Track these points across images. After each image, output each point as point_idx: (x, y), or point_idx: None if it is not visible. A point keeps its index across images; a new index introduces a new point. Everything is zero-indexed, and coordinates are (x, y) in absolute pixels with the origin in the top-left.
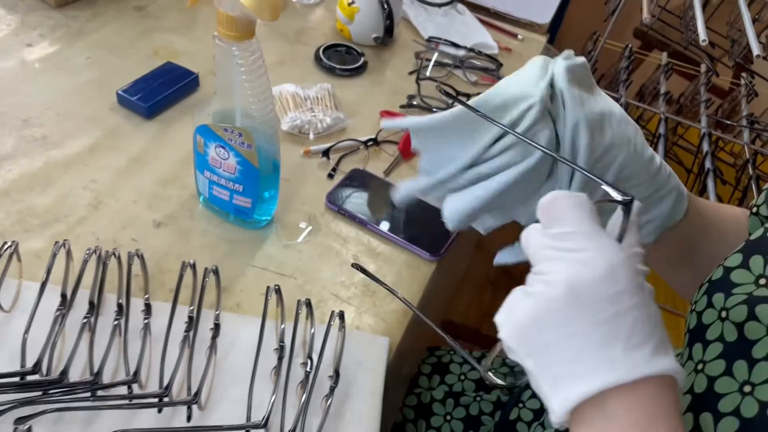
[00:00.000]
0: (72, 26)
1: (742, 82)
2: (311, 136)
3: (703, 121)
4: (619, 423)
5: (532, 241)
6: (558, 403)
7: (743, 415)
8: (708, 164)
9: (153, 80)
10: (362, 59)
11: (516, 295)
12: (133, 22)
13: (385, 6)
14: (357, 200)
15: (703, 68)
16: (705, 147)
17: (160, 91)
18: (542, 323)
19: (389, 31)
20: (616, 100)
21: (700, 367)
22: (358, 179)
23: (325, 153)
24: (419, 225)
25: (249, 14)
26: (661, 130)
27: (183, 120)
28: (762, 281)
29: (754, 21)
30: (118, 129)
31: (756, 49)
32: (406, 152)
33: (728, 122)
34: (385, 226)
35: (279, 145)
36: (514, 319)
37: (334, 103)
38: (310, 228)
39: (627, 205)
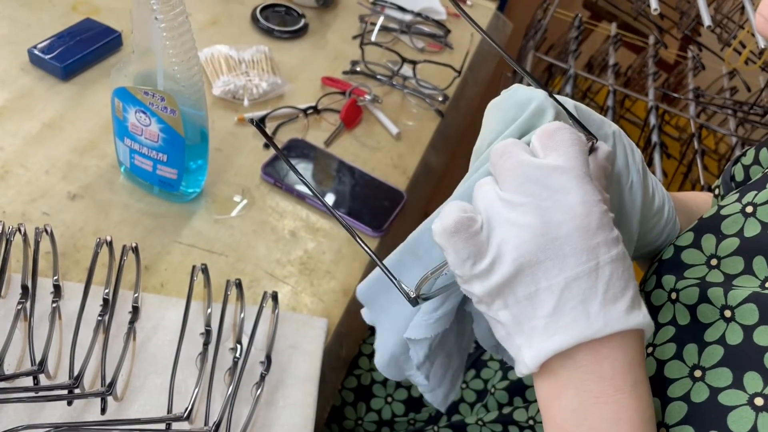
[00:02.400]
0: None
1: (689, 54)
2: (246, 103)
3: (651, 94)
4: (586, 374)
5: (513, 157)
6: (531, 357)
7: (692, 400)
8: (655, 138)
9: (70, 38)
10: (303, 21)
11: (489, 252)
12: None
13: None
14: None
15: (651, 40)
16: (652, 120)
17: (78, 50)
18: (520, 276)
19: None
20: (565, 71)
21: (650, 350)
22: (297, 150)
23: (261, 121)
24: (361, 200)
25: None
26: (609, 102)
27: (103, 82)
28: (713, 261)
29: None
30: (29, 91)
31: (707, 20)
32: (349, 121)
33: (675, 95)
34: (325, 199)
35: (207, 111)
36: (483, 281)
37: (272, 67)
38: (244, 202)
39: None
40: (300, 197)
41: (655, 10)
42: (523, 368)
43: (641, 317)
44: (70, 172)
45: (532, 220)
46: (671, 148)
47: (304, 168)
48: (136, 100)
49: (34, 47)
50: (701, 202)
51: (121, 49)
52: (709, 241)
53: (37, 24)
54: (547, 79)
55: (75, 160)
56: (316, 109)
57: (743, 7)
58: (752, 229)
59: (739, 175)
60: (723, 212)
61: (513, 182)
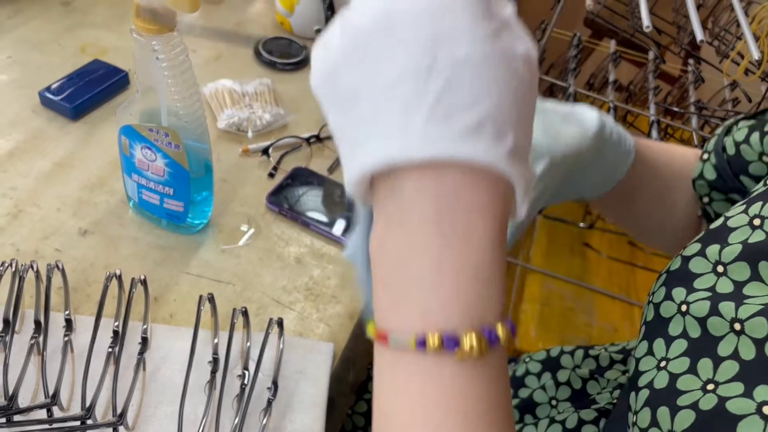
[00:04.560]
0: None
1: (689, 68)
2: (250, 134)
3: (652, 108)
4: (408, 209)
5: None
6: (350, 172)
7: (701, 408)
8: None
9: (79, 79)
10: (304, 52)
11: (332, 28)
12: (58, 18)
13: None
14: (300, 200)
15: (650, 55)
16: (654, 134)
17: (87, 91)
18: (346, 70)
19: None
20: (565, 89)
21: (663, 364)
22: (301, 178)
23: (265, 151)
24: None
25: (168, 6)
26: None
27: (111, 120)
28: (720, 268)
29: (698, 7)
30: (41, 132)
31: (699, 35)
32: None
33: (676, 109)
34: (329, 226)
35: (210, 144)
36: (320, 59)
37: (275, 99)
38: (251, 231)
39: None
40: (304, 224)
41: (647, 27)
42: (347, 186)
43: (487, 147)
44: (81, 209)
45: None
46: None
47: (309, 195)
48: (141, 137)
49: (45, 90)
50: (685, 153)
51: (127, 87)
52: (713, 248)
53: (48, 66)
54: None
55: (85, 197)
56: (318, 138)
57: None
58: (756, 237)
59: (731, 149)
60: (730, 223)
61: None
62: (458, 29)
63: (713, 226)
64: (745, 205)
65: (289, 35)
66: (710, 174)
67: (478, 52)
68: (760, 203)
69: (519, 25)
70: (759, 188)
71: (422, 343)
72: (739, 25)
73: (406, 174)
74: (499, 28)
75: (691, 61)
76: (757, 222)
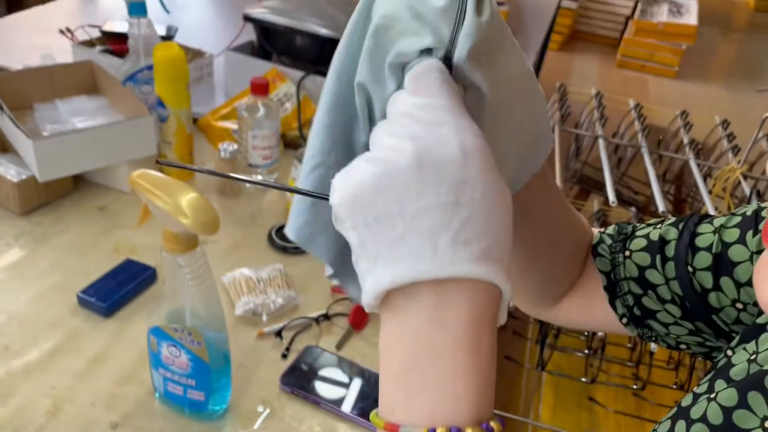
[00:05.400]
0: (36, 232)
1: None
2: (264, 318)
3: None
4: (427, 320)
5: (397, 106)
6: (371, 285)
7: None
8: None
9: (112, 278)
10: None
11: (358, 160)
12: (95, 222)
13: None
14: (311, 379)
15: (632, 212)
16: None
17: (119, 289)
18: (376, 195)
19: None
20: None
21: None
22: (311, 357)
23: (278, 333)
24: (376, 401)
25: (191, 230)
26: None
27: (141, 314)
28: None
29: (664, 174)
30: (77, 331)
31: (661, 206)
32: (357, 324)
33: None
34: (339, 404)
35: (227, 334)
36: (350, 184)
37: (286, 282)
38: (267, 411)
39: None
40: (316, 403)
41: (613, 202)
42: (364, 298)
43: (495, 270)
44: (112, 402)
45: (406, 143)
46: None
47: (320, 374)
48: (168, 336)
49: (82, 291)
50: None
51: (155, 282)
52: (720, 383)
53: (85, 269)
54: None
55: (116, 391)
56: (326, 317)
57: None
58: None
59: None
60: (734, 360)
61: (388, 125)
62: (476, 176)
63: (720, 364)
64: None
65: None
66: (633, 271)
67: (490, 194)
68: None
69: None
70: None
71: None
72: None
73: (426, 287)
74: (501, 176)
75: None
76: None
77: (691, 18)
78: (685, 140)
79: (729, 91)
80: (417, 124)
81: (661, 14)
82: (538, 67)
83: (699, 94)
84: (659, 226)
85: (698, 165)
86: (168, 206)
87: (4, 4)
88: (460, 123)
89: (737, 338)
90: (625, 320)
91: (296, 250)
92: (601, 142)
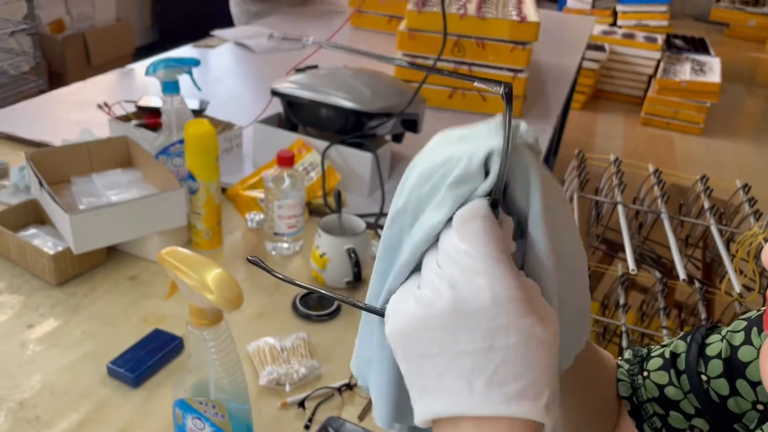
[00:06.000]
0: (70, 302)
1: (694, 288)
2: (287, 388)
3: (664, 331)
4: None
5: (446, 245)
6: (419, 411)
7: None
8: None
9: (141, 349)
10: (336, 303)
11: (409, 289)
12: (126, 291)
13: (353, 255)
14: None
15: (658, 276)
16: None
17: (147, 359)
18: (420, 334)
19: (357, 276)
20: None
21: None
22: (333, 428)
23: (301, 404)
24: None
25: (215, 306)
26: (624, 343)
27: (168, 384)
28: None
29: (687, 238)
30: (106, 401)
31: (682, 275)
32: None
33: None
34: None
35: (250, 407)
36: (400, 320)
37: (309, 351)
38: None
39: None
40: None
41: (633, 270)
42: (416, 421)
43: (529, 407)
44: None
45: (445, 289)
46: None
47: None
48: (192, 409)
49: (112, 362)
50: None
51: (182, 351)
52: None
53: (116, 338)
54: None
55: None
56: (349, 386)
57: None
58: None
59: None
60: None
61: (440, 259)
62: (509, 323)
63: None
64: None
65: (322, 288)
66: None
67: (523, 339)
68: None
69: (546, 302)
70: None
71: None
72: (728, 250)
73: (467, 420)
74: (538, 320)
75: (696, 282)
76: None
77: (714, 76)
78: (706, 205)
79: (756, 147)
80: (457, 269)
81: (684, 73)
82: (561, 127)
83: (726, 150)
84: (671, 344)
85: (720, 231)
86: (194, 282)
87: (47, 80)
88: (496, 272)
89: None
90: None
91: (320, 318)
92: (620, 209)
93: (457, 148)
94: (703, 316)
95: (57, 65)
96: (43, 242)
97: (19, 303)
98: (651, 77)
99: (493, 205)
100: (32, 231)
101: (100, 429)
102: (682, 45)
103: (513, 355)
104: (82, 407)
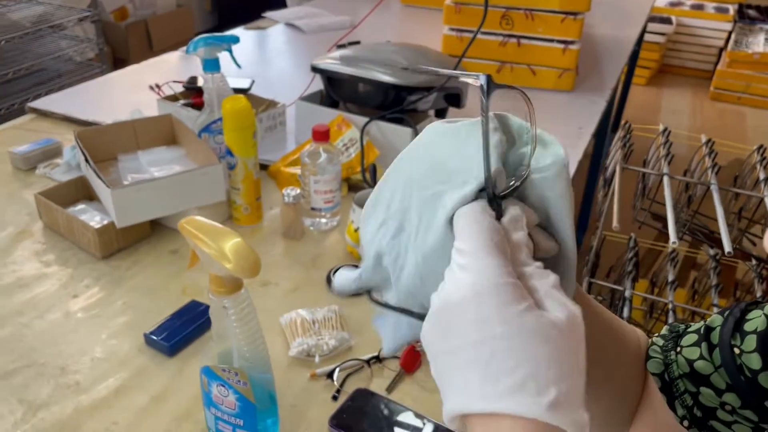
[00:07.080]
0: (114, 275)
1: (749, 266)
2: (317, 359)
3: (715, 309)
4: None
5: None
6: (444, 410)
7: None
8: None
9: (177, 319)
10: None
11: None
12: (167, 264)
13: None
14: (360, 422)
15: (709, 252)
16: None
17: (183, 329)
18: (428, 336)
19: None
20: (621, 293)
21: None
22: (361, 399)
23: (330, 375)
24: None
25: (233, 274)
26: (670, 320)
27: (201, 353)
28: None
29: (740, 211)
30: (143, 369)
31: (727, 247)
32: (408, 367)
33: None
34: None
35: (272, 377)
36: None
37: (341, 324)
38: None
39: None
40: None
41: (674, 243)
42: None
43: (530, 404)
44: None
45: (440, 287)
46: None
47: (368, 417)
48: (216, 376)
49: (149, 332)
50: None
51: None
52: None
53: (155, 309)
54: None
55: (173, 428)
56: (378, 359)
57: None
58: None
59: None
60: None
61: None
62: (492, 314)
63: None
64: None
65: (357, 263)
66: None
67: (509, 329)
68: None
69: (560, 293)
70: None
71: None
72: None
73: (474, 419)
74: (531, 305)
75: (748, 262)
76: None
77: None
78: (761, 176)
79: None
80: (452, 267)
81: (757, 44)
82: (621, 103)
83: None
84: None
85: None
86: (212, 251)
87: (112, 66)
88: (480, 264)
89: None
90: (686, 423)
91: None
92: (665, 180)
93: (450, 150)
94: (759, 294)
95: (120, 51)
96: (90, 217)
97: (66, 275)
98: (721, 50)
99: (490, 199)
100: (81, 206)
101: (136, 395)
102: (756, 15)
103: (502, 347)
104: (120, 374)
